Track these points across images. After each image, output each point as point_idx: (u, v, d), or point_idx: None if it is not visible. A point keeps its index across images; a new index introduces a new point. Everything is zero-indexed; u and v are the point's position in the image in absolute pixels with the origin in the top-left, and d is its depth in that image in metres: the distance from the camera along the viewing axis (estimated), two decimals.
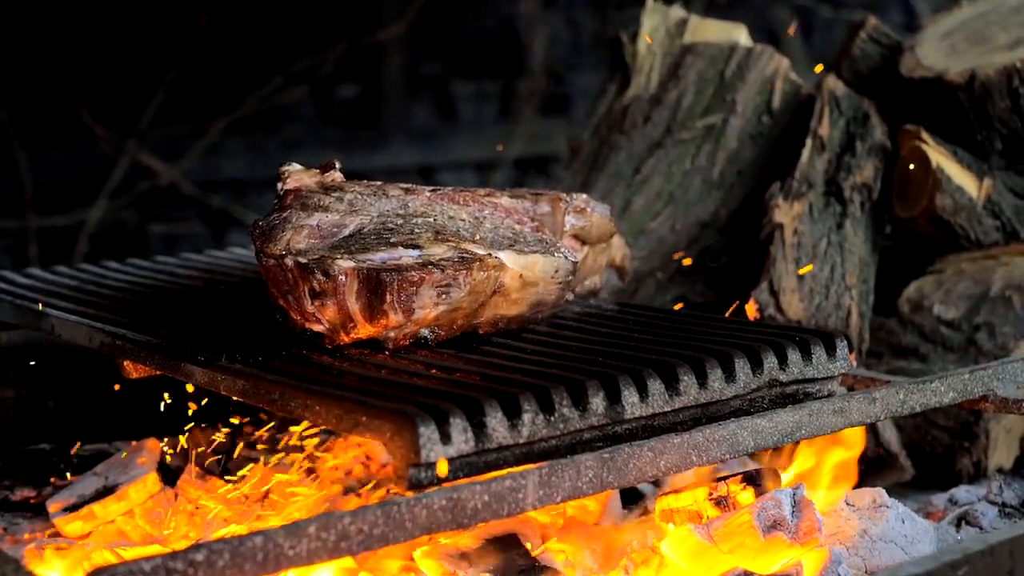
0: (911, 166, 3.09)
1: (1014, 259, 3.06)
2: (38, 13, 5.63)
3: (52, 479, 2.81)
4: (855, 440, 2.61)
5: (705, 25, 3.47)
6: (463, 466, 1.90)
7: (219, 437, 2.81)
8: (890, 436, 2.89)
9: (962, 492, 2.74)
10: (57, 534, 2.58)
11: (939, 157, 3.07)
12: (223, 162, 6.11)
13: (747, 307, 2.93)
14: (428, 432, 1.85)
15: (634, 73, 3.44)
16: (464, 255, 2.23)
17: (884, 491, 2.35)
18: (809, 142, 3.15)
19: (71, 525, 2.58)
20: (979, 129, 3.12)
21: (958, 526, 2.58)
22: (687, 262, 3.18)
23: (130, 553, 2.34)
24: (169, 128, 5.86)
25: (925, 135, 3.09)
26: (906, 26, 7.25)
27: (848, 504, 2.34)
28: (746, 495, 2.29)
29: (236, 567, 1.67)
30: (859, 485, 2.74)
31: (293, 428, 2.81)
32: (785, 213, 3.03)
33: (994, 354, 2.93)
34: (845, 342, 2.27)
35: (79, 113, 5.64)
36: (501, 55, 6.88)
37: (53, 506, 2.63)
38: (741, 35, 3.48)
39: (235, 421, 2.85)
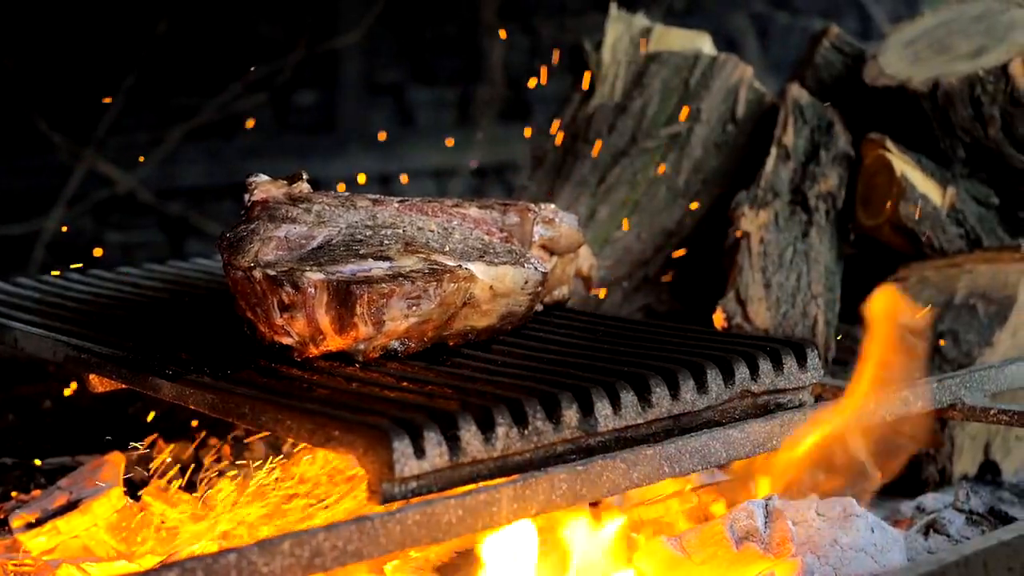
0: (875, 174, 3.10)
1: (978, 267, 3.07)
2: None
3: (14, 494, 2.77)
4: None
5: (669, 34, 3.47)
6: (437, 480, 1.89)
7: (184, 450, 2.78)
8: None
9: (929, 500, 2.75)
10: (20, 550, 2.55)
11: (903, 165, 3.08)
12: (181, 170, 6.07)
13: (714, 316, 2.93)
14: (402, 447, 1.84)
15: (598, 82, 3.44)
16: (434, 267, 2.22)
17: (854, 500, 2.35)
18: (774, 151, 3.15)
19: (34, 540, 2.55)
20: (942, 137, 3.13)
21: (926, 534, 2.59)
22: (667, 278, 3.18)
23: (97, 569, 2.31)
24: (126, 136, 5.82)
25: (889, 143, 3.10)
26: (862, 33, 7.30)
27: (818, 514, 2.34)
28: (718, 506, 2.29)
29: None
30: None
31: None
32: (751, 222, 3.04)
33: (959, 362, 2.94)
34: (816, 352, 2.28)
35: (35, 121, 5.59)
36: (459, 62, 6.87)
37: (16, 521, 2.60)
38: (705, 44, 3.48)
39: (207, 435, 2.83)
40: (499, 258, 2.32)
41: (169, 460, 2.82)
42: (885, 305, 2.42)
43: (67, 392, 2.93)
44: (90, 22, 5.79)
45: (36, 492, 2.72)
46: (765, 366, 2.21)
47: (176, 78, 6.02)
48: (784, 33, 7.37)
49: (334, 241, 2.26)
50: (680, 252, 3.19)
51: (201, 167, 6.13)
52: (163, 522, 2.53)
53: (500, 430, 1.93)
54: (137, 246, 5.99)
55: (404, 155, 6.63)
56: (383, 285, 2.16)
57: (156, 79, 5.87)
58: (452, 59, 6.86)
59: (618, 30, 3.48)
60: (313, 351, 2.20)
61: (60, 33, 5.73)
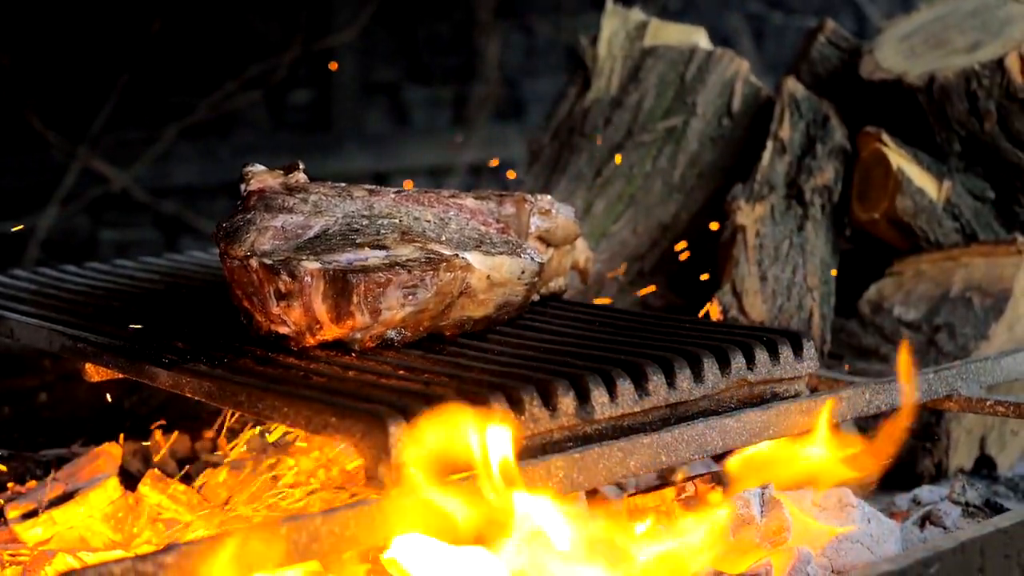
0: (871, 168, 3.10)
1: (973, 260, 3.08)
2: None
3: (11, 485, 2.77)
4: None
5: (665, 28, 3.47)
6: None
7: (180, 441, 2.78)
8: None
9: (925, 492, 2.75)
10: (16, 540, 2.55)
11: (899, 159, 3.08)
12: (175, 168, 6.07)
13: (710, 309, 2.93)
14: (399, 432, 1.83)
15: (594, 76, 3.44)
16: (431, 256, 2.21)
17: (850, 491, 2.35)
18: (770, 144, 3.15)
19: (30, 531, 2.54)
20: (938, 132, 3.14)
21: (922, 526, 2.59)
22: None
23: (93, 558, 2.31)
24: (121, 134, 5.82)
25: (885, 137, 3.10)
26: (857, 32, 7.29)
27: (814, 504, 2.34)
28: (715, 495, 2.28)
29: None
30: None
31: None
32: (747, 215, 3.04)
33: (955, 355, 2.94)
34: (812, 342, 2.28)
35: (30, 119, 5.58)
36: (454, 60, 6.87)
37: (12, 511, 2.60)
38: (701, 38, 3.48)
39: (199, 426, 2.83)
40: (496, 248, 2.32)
41: (165, 452, 2.82)
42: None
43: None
44: (85, 20, 5.79)
45: (32, 483, 2.72)
46: (761, 356, 2.21)
47: (171, 76, 6.02)
48: (779, 33, 7.38)
49: (331, 231, 2.26)
50: (686, 255, 3.19)
51: (196, 165, 6.13)
52: (159, 513, 2.53)
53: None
54: (131, 244, 6.00)
55: (399, 153, 6.63)
56: (380, 274, 2.15)
57: (151, 77, 5.87)
58: (448, 58, 6.86)
59: (614, 25, 3.48)
60: (310, 340, 2.20)
61: (55, 31, 5.73)
